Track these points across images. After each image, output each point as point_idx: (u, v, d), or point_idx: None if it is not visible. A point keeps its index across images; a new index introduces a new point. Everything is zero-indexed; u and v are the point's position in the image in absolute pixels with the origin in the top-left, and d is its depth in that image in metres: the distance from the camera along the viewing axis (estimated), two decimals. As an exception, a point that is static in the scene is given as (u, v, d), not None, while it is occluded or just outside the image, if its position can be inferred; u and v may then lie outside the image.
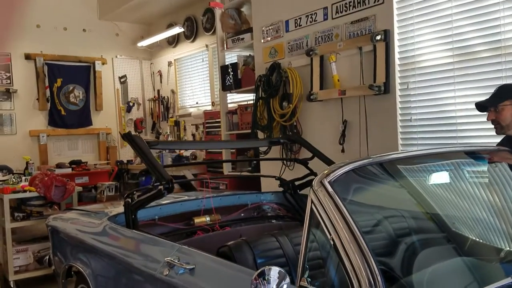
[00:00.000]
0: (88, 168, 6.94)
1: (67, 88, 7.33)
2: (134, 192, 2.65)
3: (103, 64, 7.64)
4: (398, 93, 3.68)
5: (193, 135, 7.13)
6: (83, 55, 7.43)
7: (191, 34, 7.00)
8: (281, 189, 3.34)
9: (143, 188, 2.62)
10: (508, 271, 1.44)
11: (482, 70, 3.18)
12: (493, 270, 1.73)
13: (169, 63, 7.64)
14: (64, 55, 7.25)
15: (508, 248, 1.91)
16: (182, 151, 6.63)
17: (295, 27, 4.50)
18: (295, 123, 4.50)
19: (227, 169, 5.66)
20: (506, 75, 3.01)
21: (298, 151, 4.48)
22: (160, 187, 2.39)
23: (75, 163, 6.92)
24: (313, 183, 1.59)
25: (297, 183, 3.15)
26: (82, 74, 7.48)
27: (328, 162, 2.93)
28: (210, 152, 6.50)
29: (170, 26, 7.23)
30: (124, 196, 2.66)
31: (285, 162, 4.57)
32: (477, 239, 1.96)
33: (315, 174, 2.92)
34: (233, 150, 5.77)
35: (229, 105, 5.79)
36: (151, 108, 8.06)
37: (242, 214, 3.28)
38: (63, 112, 7.29)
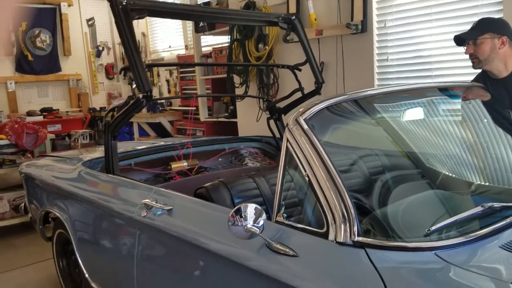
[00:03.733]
0: (60, 115, 6.78)
1: (32, 32, 6.97)
2: (115, 109, 2.45)
3: (69, 6, 7.25)
4: (375, 32, 3.63)
5: (167, 80, 6.98)
6: (47, -4, 7.02)
7: (161, -28, 6.64)
8: (257, 133, 3.33)
9: (123, 104, 2.36)
10: (478, 202, 1.48)
11: (459, 7, 3.14)
12: (464, 201, 1.78)
13: (140, 5, 7.29)
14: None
15: (478, 182, 1.97)
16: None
17: (271, -37, 4.30)
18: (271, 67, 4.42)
19: (203, 115, 5.60)
20: (482, 11, 2.98)
21: (275, 95, 4.44)
22: (138, 95, 2.17)
23: (46, 111, 6.74)
24: (288, 121, 1.57)
25: (283, 106, 3.01)
26: (48, 17, 7.10)
27: (317, 74, 2.77)
28: (185, 98, 6.41)
29: (138, -37, 6.82)
30: (105, 114, 2.47)
31: (261, 106, 4.53)
32: (450, 174, 2.01)
33: (302, 90, 2.86)
34: (209, 98, 5.69)
35: (203, 49, 5.63)
36: (122, 52, 7.78)
37: (220, 159, 3.28)
38: (30, 58, 6.98)
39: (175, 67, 6.62)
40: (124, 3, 2.15)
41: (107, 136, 2.41)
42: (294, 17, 2.76)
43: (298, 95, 2.89)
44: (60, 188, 2.72)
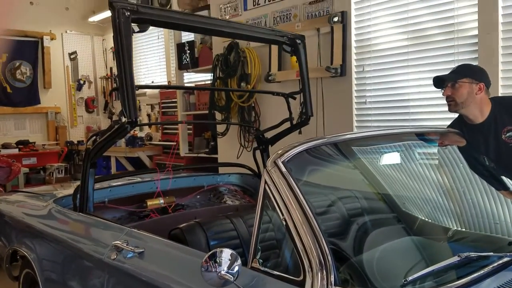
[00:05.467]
0: (36, 148, 6.66)
1: (13, 64, 6.93)
2: (98, 135, 2.30)
3: (52, 39, 7.26)
4: (354, 75, 3.71)
5: (148, 115, 6.95)
6: (30, 29, 7.02)
7: (146, 10, 6.74)
8: (237, 170, 3.30)
9: (106, 129, 2.24)
10: (455, 250, 1.47)
11: (436, 54, 3.24)
12: (441, 249, 1.77)
13: (123, 40, 7.35)
14: (9, 29, 6.81)
15: (455, 228, 1.97)
16: (136, 132, 6.45)
17: (254, 5, 4.42)
18: (253, 104, 4.45)
19: (183, 150, 5.56)
20: (458, 58, 3.08)
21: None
22: (123, 120, 1.97)
23: (22, 144, 6.63)
24: (267, 163, 1.56)
25: (271, 135, 2.93)
26: (29, 49, 7.09)
27: (307, 105, 2.68)
28: (166, 133, 6.37)
29: (124, 1, 6.93)
30: (86, 140, 2.36)
31: (242, 143, 4.52)
32: (427, 219, 2.01)
33: (292, 120, 2.81)
34: (190, 131, 5.67)
35: (186, 85, 5.65)
36: (103, 86, 7.76)
37: (198, 196, 3.22)
38: (9, 90, 6.90)
39: (157, 102, 6.62)
40: (128, 13, 1.92)
41: (86, 163, 2.29)
42: (300, 41, 2.59)
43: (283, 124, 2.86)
44: (29, 226, 2.62)
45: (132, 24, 1.97)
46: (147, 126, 6.96)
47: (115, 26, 1.90)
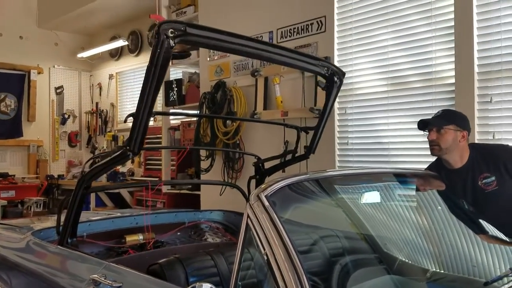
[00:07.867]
0: (16, 181, 6.55)
1: (-2, 96, 6.91)
2: (99, 157, 2.25)
3: (39, 73, 7.29)
4: (336, 117, 3.81)
5: (132, 151, 6.93)
6: (19, 63, 7.05)
7: (135, 48, 6.88)
8: (220, 207, 3.30)
9: (107, 152, 2.17)
10: (433, 289, 1.49)
11: (414, 100, 3.37)
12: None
13: (110, 76, 7.43)
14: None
15: (433, 269, 1.99)
16: (118, 167, 6.39)
17: (241, 47, 4.54)
18: (238, 142, 4.50)
19: (166, 186, 5.52)
20: (436, 105, 3.20)
21: (240, 170, 4.48)
22: (126, 147, 1.92)
23: (2, 176, 6.53)
24: (250, 197, 1.58)
25: (271, 164, 2.88)
26: (16, 82, 7.09)
27: (315, 142, 2.61)
28: (148, 169, 6.34)
29: (113, 38, 7.06)
30: (84, 163, 2.20)
31: (225, 179, 4.52)
32: (407, 260, 2.03)
33: (295, 153, 2.80)
34: (174, 167, 5.65)
35: (172, 121, 5.69)
36: (88, 121, 7.76)
37: (179, 233, 3.19)
38: (-9, 121, 6.85)
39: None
40: (172, 41, 1.71)
41: (79, 185, 2.19)
42: (337, 79, 2.38)
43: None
44: (5, 258, 2.54)
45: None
46: (129, 162, 6.92)
47: (153, 53, 1.73)
